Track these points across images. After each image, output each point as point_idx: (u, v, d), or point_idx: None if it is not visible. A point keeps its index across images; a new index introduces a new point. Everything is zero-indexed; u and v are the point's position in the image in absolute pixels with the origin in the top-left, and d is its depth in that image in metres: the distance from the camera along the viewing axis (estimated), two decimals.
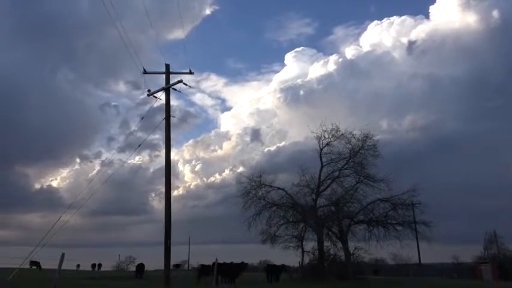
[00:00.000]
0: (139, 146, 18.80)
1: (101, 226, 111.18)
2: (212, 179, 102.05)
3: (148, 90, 18.21)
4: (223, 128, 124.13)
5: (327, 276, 31.89)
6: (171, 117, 17.95)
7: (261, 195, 34.95)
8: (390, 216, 33.24)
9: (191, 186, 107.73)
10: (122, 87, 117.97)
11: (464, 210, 66.46)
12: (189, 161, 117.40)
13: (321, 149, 35.17)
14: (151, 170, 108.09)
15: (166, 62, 18.53)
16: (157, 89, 18.21)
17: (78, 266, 57.69)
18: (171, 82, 18.22)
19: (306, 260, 34.53)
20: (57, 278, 15.03)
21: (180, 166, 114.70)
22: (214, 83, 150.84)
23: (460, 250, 54.82)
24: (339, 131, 34.90)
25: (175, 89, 18.35)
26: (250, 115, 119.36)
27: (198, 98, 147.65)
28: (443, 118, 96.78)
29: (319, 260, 33.26)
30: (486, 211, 65.24)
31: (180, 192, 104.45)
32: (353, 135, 34.58)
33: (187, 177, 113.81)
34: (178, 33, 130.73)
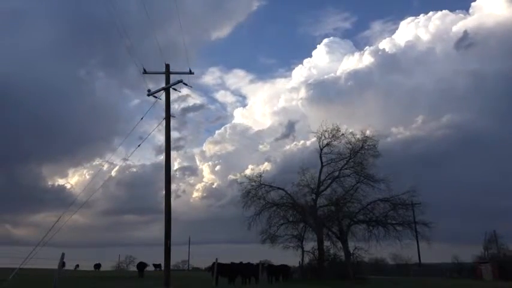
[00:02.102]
0: (138, 146, 18.77)
1: (113, 225, 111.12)
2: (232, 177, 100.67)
3: (148, 90, 18.17)
4: (231, 126, 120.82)
5: (327, 276, 31.89)
6: (171, 118, 17.95)
7: (261, 195, 34.99)
8: (390, 216, 33.24)
9: (213, 185, 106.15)
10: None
11: (476, 209, 66.00)
12: (209, 159, 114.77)
13: (321, 149, 35.23)
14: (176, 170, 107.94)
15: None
16: (157, 88, 18.21)
17: (77, 266, 57.58)
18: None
19: (306, 260, 34.58)
20: (57, 278, 15.06)
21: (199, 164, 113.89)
22: (239, 79, 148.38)
23: (460, 250, 54.77)
24: (339, 131, 35.03)
25: (175, 89, 18.34)
26: (265, 114, 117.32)
27: (220, 95, 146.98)
28: (478, 116, 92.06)
29: (319, 260, 33.28)
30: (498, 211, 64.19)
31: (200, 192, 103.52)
32: (353, 135, 34.69)
33: (205, 173, 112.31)
34: (222, 32, 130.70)
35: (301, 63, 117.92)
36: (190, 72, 18.53)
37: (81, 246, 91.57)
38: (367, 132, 34.68)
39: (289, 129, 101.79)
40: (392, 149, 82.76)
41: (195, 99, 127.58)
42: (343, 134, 34.77)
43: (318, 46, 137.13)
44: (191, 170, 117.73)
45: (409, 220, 33.89)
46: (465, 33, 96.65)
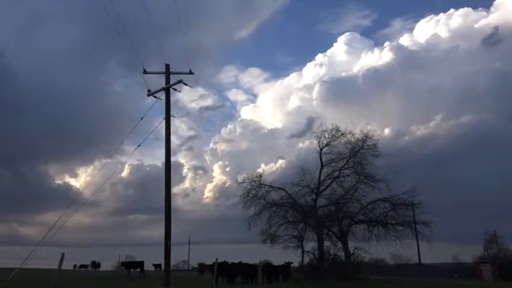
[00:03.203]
0: (138, 146, 18.78)
1: (122, 224, 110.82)
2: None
3: (149, 90, 18.17)
4: (244, 125, 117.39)
5: (327, 276, 31.88)
6: (171, 117, 17.96)
7: (261, 195, 35.00)
8: (390, 216, 33.26)
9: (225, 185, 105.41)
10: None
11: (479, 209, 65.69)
12: (220, 158, 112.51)
13: (321, 149, 35.23)
14: (185, 169, 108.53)
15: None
16: (158, 88, 18.21)
17: (75, 266, 57.55)
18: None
19: (306, 260, 34.57)
20: (57, 278, 15.06)
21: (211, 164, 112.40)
22: (253, 78, 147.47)
23: (460, 250, 54.77)
24: (339, 130, 35.00)
25: (175, 89, 18.35)
26: (278, 112, 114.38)
27: (232, 93, 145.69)
28: (494, 116, 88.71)
29: (319, 260, 33.27)
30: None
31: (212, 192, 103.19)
32: (353, 135, 34.68)
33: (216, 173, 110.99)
34: (246, 31, 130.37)
35: (317, 60, 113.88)
36: (190, 73, 18.53)
37: (90, 246, 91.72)
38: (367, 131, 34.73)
39: (304, 128, 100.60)
40: (407, 149, 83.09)
41: (206, 99, 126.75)
42: (342, 134, 34.79)
43: (334, 44, 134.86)
44: (203, 169, 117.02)
45: (409, 220, 33.91)
46: (495, 29, 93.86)
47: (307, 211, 34.32)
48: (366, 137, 34.15)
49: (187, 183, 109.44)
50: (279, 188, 35.42)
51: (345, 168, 34.66)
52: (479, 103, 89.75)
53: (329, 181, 34.98)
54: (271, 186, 35.47)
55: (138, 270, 35.91)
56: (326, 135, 34.99)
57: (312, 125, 68.27)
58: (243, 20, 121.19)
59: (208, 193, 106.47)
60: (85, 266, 58.81)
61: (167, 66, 18.51)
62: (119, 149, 19.08)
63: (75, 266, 57.44)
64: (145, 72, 18.62)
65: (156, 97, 18.14)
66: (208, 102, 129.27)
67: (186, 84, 18.26)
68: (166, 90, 18.11)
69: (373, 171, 33.66)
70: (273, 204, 34.81)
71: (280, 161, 73.70)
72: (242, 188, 35.30)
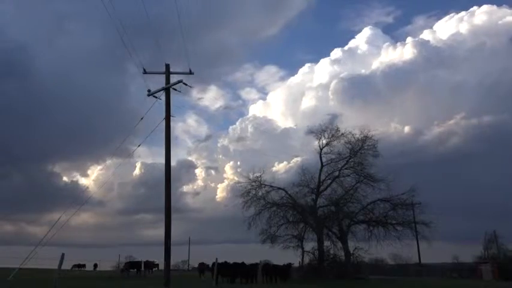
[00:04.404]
0: (138, 145, 18.82)
1: (131, 224, 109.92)
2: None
3: (148, 90, 18.19)
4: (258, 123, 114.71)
5: (327, 276, 31.88)
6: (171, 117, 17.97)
7: (261, 195, 35.00)
8: (390, 216, 33.28)
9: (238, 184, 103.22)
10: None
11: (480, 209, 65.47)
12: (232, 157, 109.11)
13: (321, 149, 35.24)
14: (198, 169, 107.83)
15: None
16: (158, 88, 18.22)
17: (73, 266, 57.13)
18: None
19: (306, 260, 34.56)
20: (57, 278, 15.07)
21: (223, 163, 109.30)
22: (268, 76, 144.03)
23: (460, 250, 54.77)
24: (339, 130, 35.04)
25: (175, 89, 18.35)
26: (294, 110, 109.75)
27: (245, 91, 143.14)
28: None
29: (319, 260, 33.26)
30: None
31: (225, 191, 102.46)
32: (353, 135, 34.70)
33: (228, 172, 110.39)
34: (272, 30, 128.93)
35: (336, 56, 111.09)
36: (190, 72, 18.55)
37: (99, 246, 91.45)
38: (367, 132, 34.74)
39: (321, 125, 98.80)
40: (423, 148, 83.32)
41: (220, 98, 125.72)
42: (342, 134, 34.82)
43: (353, 40, 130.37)
44: (215, 169, 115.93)
45: (409, 220, 33.91)
46: None
47: (307, 211, 34.33)
48: (366, 138, 34.19)
49: (199, 182, 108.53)
50: (279, 188, 35.44)
51: (345, 168, 34.69)
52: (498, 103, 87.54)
53: (329, 181, 34.99)
54: (271, 186, 35.48)
55: (141, 269, 36.00)
56: (326, 135, 35.06)
57: (333, 122, 67.67)
58: (269, 19, 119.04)
59: (220, 193, 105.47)
60: (78, 266, 57.80)
61: (167, 66, 18.53)
62: (119, 148, 19.01)
63: (73, 266, 56.90)
64: (145, 72, 18.65)
65: (156, 97, 18.16)
66: (222, 101, 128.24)
67: (186, 84, 18.28)
68: (166, 90, 18.12)
69: (374, 171, 33.73)
70: (273, 204, 34.81)
71: (295, 159, 72.91)
72: (242, 188, 35.31)
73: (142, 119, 18.48)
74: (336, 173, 34.78)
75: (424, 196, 33.35)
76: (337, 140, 34.89)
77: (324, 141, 35.09)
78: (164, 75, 18.39)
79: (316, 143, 35.53)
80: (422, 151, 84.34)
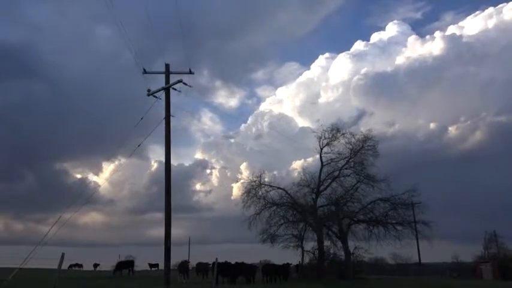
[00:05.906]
0: (138, 145, 18.76)
1: (138, 223, 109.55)
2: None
3: (148, 90, 18.16)
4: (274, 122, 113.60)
5: (327, 275, 31.90)
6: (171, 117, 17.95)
7: (261, 195, 35.02)
8: (390, 215, 33.26)
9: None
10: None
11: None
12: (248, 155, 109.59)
13: (321, 149, 35.26)
14: (210, 169, 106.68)
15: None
16: (158, 88, 18.20)
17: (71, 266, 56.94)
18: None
19: (306, 259, 34.58)
20: (57, 278, 15.06)
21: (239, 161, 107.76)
22: (288, 73, 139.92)
23: (460, 249, 54.73)
24: (339, 130, 35.01)
25: (175, 89, 18.34)
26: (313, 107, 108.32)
27: (260, 90, 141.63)
28: None
29: (319, 260, 33.28)
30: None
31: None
32: (353, 135, 34.71)
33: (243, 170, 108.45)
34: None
35: (359, 53, 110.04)
36: (190, 72, 18.52)
37: (105, 245, 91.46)
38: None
39: (342, 122, 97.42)
40: (440, 148, 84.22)
41: (234, 96, 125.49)
42: (343, 134, 34.81)
43: (381, 34, 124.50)
44: (229, 168, 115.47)
45: (409, 219, 33.93)
46: None
47: (307, 211, 34.33)
48: (366, 138, 34.20)
49: (213, 182, 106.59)
50: (279, 188, 35.48)
51: (345, 168, 34.69)
52: None
53: (329, 181, 34.98)
54: (270, 185, 35.52)
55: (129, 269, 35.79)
56: (326, 135, 35.05)
57: (360, 119, 66.95)
58: (304, 18, 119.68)
59: (235, 192, 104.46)
60: (74, 266, 57.52)
61: (167, 66, 18.52)
62: (119, 147, 19.02)
63: (70, 266, 56.59)
64: (145, 72, 18.64)
65: (156, 97, 18.14)
66: (237, 98, 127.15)
67: (185, 84, 18.27)
68: (166, 90, 18.10)
69: (374, 171, 33.70)
70: (273, 203, 34.82)
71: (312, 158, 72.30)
72: (242, 187, 35.38)
73: (142, 119, 18.46)
74: (336, 173, 34.78)
75: (434, 196, 33.32)
76: (337, 140, 34.93)
77: (324, 141, 35.12)
78: (166, 74, 18.40)
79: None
80: (442, 150, 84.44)
